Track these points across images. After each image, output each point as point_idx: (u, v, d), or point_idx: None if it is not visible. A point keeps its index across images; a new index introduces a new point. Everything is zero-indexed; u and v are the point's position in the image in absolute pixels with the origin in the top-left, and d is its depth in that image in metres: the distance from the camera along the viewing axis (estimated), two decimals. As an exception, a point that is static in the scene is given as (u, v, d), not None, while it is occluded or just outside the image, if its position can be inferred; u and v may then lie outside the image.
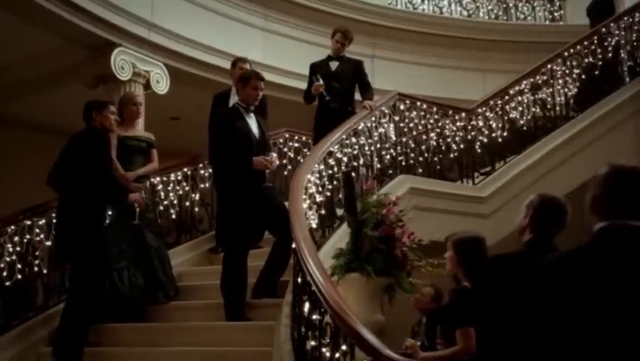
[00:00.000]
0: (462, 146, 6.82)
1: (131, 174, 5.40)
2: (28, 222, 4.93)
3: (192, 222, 6.46)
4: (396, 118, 6.45)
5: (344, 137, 5.74)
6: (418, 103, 6.67)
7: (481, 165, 7.06)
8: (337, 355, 3.19)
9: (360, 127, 5.95)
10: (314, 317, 3.47)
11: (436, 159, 6.67)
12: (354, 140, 5.81)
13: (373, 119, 6.17)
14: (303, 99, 6.53)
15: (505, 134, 7.06)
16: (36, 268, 4.86)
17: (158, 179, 6.21)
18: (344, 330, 3.10)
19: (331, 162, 5.45)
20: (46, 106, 8.00)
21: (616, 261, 1.78)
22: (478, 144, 6.89)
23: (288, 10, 8.79)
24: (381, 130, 6.22)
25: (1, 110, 8.32)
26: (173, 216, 6.29)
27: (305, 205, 4.80)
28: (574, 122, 7.11)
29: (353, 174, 4.63)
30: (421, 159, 6.53)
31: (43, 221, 5.02)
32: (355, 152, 5.83)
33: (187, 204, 6.43)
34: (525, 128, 7.14)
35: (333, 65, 6.43)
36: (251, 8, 8.52)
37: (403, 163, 6.41)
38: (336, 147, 5.60)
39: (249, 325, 4.65)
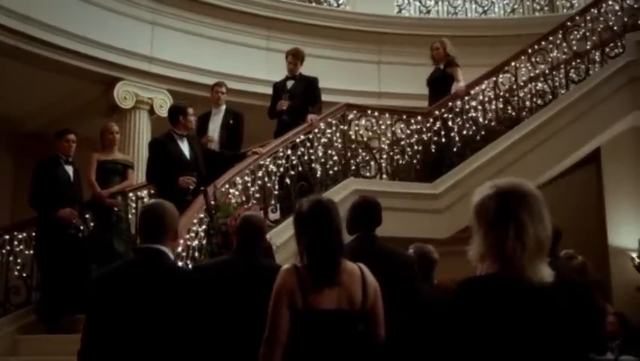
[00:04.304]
0: (418, 147, 7.37)
1: (105, 191, 6.59)
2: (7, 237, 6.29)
3: (181, 228, 7.56)
4: (344, 127, 7.14)
5: (280, 149, 6.57)
6: (369, 111, 7.30)
7: (445, 165, 7.54)
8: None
9: (298, 140, 6.73)
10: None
11: (388, 163, 7.28)
12: (289, 152, 6.61)
13: (317, 130, 6.92)
14: (267, 114, 7.39)
15: (464, 132, 7.52)
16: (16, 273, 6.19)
17: (145, 192, 7.36)
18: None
19: (260, 173, 6.31)
20: (81, 134, 9.46)
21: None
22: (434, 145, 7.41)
23: (291, 29, 9.40)
24: (323, 140, 6.95)
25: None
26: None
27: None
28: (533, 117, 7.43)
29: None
30: (369, 161, 7.18)
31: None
32: (294, 162, 6.64)
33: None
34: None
35: (289, 83, 7.24)
36: (254, 32, 9.30)
37: (353, 168, 7.10)
38: (269, 159, 6.45)
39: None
